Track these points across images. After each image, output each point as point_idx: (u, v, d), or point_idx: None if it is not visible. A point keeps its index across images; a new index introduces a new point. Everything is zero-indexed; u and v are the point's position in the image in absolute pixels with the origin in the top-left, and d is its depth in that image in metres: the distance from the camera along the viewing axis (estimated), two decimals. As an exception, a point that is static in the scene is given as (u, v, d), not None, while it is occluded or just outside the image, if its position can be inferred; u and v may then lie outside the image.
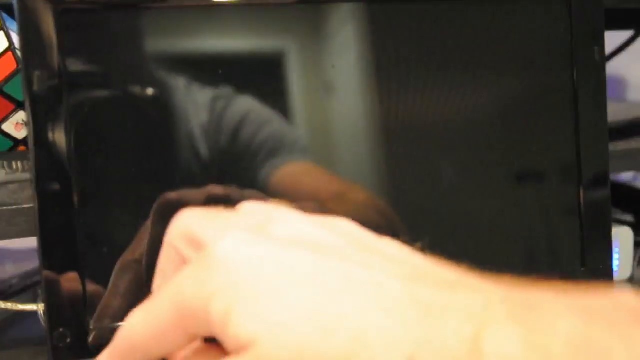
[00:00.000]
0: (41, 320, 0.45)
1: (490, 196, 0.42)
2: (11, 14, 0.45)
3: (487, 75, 0.42)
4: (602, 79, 0.43)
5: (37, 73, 0.35)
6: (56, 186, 0.36)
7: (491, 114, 0.42)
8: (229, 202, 0.36)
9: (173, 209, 0.29)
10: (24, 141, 0.46)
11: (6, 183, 0.42)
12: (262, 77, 0.38)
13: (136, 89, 0.37)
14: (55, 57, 0.36)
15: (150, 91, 0.37)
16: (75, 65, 0.36)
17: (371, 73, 0.40)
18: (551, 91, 0.43)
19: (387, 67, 0.40)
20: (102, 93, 0.37)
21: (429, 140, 0.41)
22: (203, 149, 0.37)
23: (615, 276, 0.56)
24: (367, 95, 0.40)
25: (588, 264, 0.43)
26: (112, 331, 0.36)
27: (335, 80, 0.39)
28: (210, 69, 0.37)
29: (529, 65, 0.43)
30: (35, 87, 0.35)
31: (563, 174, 0.43)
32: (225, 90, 0.37)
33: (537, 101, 0.43)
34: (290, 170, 0.38)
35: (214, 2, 0.38)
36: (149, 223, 0.36)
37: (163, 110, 0.37)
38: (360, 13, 0.39)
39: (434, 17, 0.41)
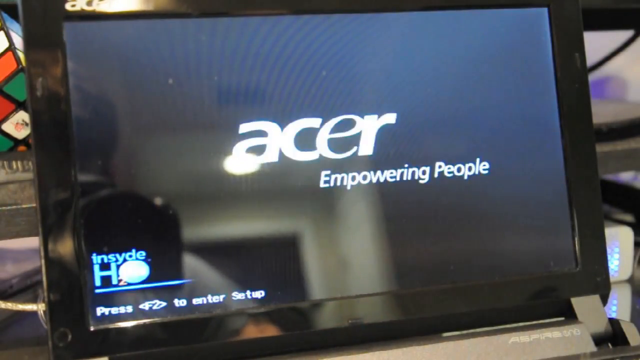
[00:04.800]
0: (41, 320, 0.45)
1: (479, 199, 0.42)
2: (11, 14, 0.45)
3: (465, 85, 0.42)
4: (584, 85, 0.44)
5: (40, 79, 0.36)
6: (58, 186, 0.36)
7: (472, 124, 0.42)
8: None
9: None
10: (24, 141, 0.46)
11: (6, 183, 0.42)
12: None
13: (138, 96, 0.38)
14: (59, 62, 0.36)
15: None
16: (79, 71, 0.36)
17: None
18: (534, 98, 0.43)
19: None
20: (105, 97, 0.37)
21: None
22: None
23: (615, 276, 0.56)
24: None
25: (583, 264, 0.43)
26: (113, 331, 0.36)
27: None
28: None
29: (510, 75, 0.43)
30: (39, 92, 0.36)
31: (551, 178, 0.43)
32: None
33: (520, 110, 0.43)
34: None
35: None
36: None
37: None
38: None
39: (416, 27, 0.42)
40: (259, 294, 0.38)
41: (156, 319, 0.37)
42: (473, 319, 0.41)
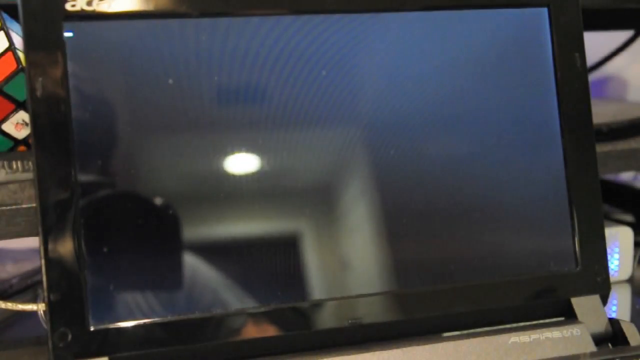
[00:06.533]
0: (41, 320, 0.45)
1: (479, 199, 0.42)
2: (11, 14, 0.45)
3: (465, 85, 0.42)
4: (584, 85, 0.44)
5: (40, 79, 0.36)
6: (58, 186, 0.36)
7: (472, 124, 0.42)
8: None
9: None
10: (24, 141, 0.46)
11: (6, 183, 0.42)
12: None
13: (139, 99, 0.38)
14: (59, 62, 0.36)
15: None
16: (79, 71, 0.36)
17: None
18: (534, 98, 0.43)
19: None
20: (105, 97, 0.37)
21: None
22: None
23: (615, 276, 0.56)
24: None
25: (583, 264, 0.43)
26: (112, 331, 0.36)
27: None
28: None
29: (510, 75, 0.43)
30: (39, 93, 0.36)
31: (551, 178, 0.43)
32: None
33: (521, 110, 0.43)
34: None
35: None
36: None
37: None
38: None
39: (416, 27, 0.42)
40: (259, 294, 0.38)
41: (156, 319, 0.37)
42: (473, 319, 0.41)
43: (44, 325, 0.44)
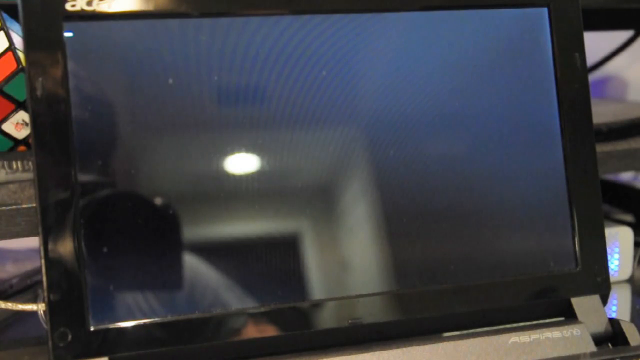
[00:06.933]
0: (41, 320, 0.45)
1: (479, 199, 0.42)
2: (11, 14, 0.45)
3: (465, 85, 0.42)
4: (584, 85, 0.44)
5: (40, 79, 0.36)
6: (58, 186, 0.36)
7: (472, 124, 0.42)
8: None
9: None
10: (24, 141, 0.46)
11: (6, 183, 0.42)
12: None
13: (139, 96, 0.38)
14: (59, 62, 0.36)
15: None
16: (79, 71, 0.36)
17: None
18: (534, 98, 0.43)
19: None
20: (105, 97, 0.37)
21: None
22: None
23: (615, 276, 0.56)
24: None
25: (583, 264, 0.43)
26: (112, 331, 0.36)
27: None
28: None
29: (510, 74, 0.43)
30: (39, 93, 0.36)
31: (551, 178, 0.43)
32: None
33: (520, 110, 0.43)
34: None
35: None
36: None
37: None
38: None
39: (416, 26, 0.42)
40: (259, 294, 0.38)
41: (156, 319, 0.37)
42: (473, 319, 0.41)
43: (44, 325, 0.44)
